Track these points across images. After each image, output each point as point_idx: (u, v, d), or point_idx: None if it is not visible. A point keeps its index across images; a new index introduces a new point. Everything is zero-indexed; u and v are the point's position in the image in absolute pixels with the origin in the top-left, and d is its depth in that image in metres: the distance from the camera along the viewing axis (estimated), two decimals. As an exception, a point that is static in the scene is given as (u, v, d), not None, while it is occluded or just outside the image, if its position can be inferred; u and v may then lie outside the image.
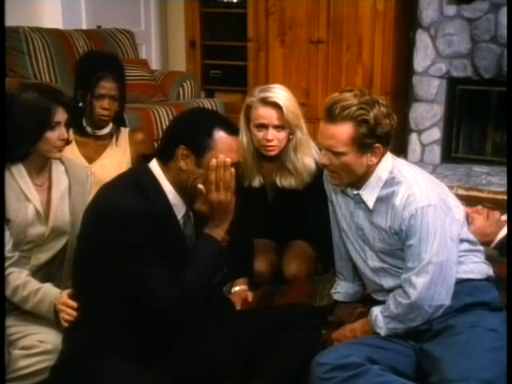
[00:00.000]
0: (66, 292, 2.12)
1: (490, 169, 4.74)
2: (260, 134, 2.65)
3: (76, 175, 2.40)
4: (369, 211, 2.14)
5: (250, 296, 2.63)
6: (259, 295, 2.66)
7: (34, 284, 2.15)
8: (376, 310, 2.13)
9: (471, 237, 2.21)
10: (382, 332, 2.09)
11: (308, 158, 2.71)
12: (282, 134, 2.65)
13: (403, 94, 5.02)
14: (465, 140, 4.99)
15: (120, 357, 1.90)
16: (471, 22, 4.53)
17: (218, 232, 1.96)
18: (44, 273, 2.33)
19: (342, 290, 2.43)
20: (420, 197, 2.03)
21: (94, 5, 4.82)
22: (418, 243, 2.02)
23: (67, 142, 2.32)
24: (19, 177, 2.24)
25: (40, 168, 2.29)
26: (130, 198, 1.88)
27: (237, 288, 2.67)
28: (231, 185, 1.94)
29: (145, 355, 1.92)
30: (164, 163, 1.98)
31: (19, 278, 2.14)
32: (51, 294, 2.13)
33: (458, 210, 2.17)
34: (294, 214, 2.79)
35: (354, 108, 2.01)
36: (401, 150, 4.98)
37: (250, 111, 2.68)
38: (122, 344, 1.92)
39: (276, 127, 2.63)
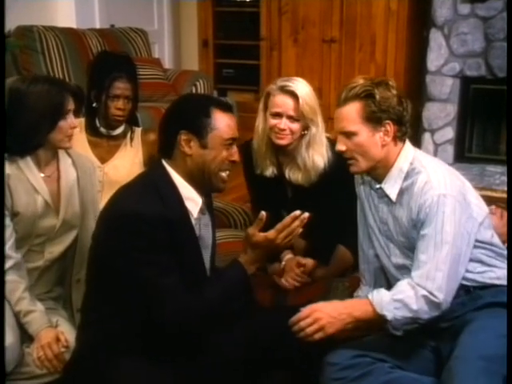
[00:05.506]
0: (56, 333, 2.13)
1: (504, 168, 4.69)
2: (274, 122, 2.66)
3: (84, 167, 2.40)
4: (391, 204, 2.12)
5: (302, 260, 2.65)
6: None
7: (27, 305, 2.15)
8: (383, 291, 2.02)
9: (496, 240, 2.15)
10: (389, 316, 1.95)
11: (318, 156, 2.70)
12: (296, 126, 2.65)
13: (416, 94, 5.00)
14: (478, 139, 4.96)
15: (132, 355, 1.90)
16: (485, 21, 4.51)
17: (251, 268, 1.97)
18: (58, 267, 2.34)
19: (362, 294, 2.36)
20: (437, 184, 2.00)
21: (108, 4, 4.83)
22: (433, 233, 1.97)
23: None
24: (27, 170, 2.23)
25: (48, 159, 2.28)
26: (144, 202, 1.88)
27: (287, 256, 2.70)
28: (291, 240, 1.99)
29: (157, 354, 1.91)
30: (169, 157, 1.99)
31: (15, 290, 2.14)
32: (38, 323, 2.14)
33: (479, 210, 2.12)
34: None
35: (358, 87, 2.03)
36: (414, 150, 4.95)
37: (269, 99, 2.70)
38: (134, 342, 1.92)
39: (290, 117, 2.63)
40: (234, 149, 2.01)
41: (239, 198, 3.19)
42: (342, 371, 1.96)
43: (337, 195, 2.58)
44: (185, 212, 1.97)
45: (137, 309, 1.90)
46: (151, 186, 1.94)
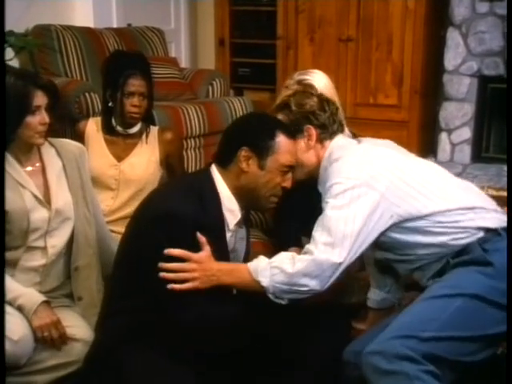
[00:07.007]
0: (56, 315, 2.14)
1: (522, 168, 4.66)
2: None
3: (68, 155, 2.35)
4: None
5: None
6: None
7: (15, 291, 2.15)
8: (262, 258, 1.99)
9: (452, 205, 2.01)
10: (265, 282, 1.93)
11: None
12: None
13: (433, 93, 4.98)
14: (496, 139, 4.92)
15: (151, 349, 1.90)
16: (504, 19, 4.47)
17: None
18: (66, 260, 2.32)
19: (370, 295, 2.41)
20: (332, 173, 2.01)
21: (125, 3, 4.85)
22: (323, 218, 1.95)
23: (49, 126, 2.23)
24: (8, 165, 2.17)
25: (27, 153, 2.23)
26: (183, 205, 1.89)
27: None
28: None
29: (177, 353, 1.90)
30: (223, 167, 2.01)
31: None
32: (32, 301, 2.14)
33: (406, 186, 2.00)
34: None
35: (279, 99, 2.16)
36: (430, 150, 4.93)
37: None
38: (153, 336, 1.92)
39: None
40: (289, 175, 2.04)
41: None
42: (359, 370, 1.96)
43: None
44: (221, 222, 1.98)
45: (158, 309, 1.91)
46: (195, 189, 1.96)
